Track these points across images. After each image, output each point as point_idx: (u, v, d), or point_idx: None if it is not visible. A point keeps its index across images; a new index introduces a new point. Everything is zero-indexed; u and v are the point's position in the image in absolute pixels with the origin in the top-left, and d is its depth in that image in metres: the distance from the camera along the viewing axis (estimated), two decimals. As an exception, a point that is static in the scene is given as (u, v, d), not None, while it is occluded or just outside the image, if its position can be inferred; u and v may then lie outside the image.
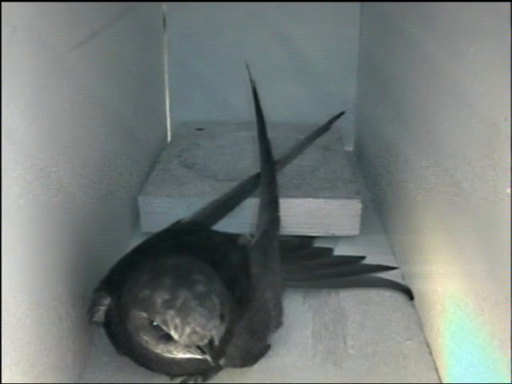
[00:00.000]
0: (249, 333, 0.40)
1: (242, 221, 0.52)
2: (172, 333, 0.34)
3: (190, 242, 0.43)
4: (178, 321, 0.34)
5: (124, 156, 0.57)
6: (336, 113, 0.75)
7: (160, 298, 0.34)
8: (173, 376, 0.42)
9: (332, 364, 0.45)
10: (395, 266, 0.55)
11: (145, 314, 0.35)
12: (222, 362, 0.39)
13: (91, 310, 0.40)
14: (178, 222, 0.50)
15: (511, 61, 0.30)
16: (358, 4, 0.75)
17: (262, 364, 0.42)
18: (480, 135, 0.34)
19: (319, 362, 0.45)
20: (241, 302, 0.40)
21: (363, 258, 0.56)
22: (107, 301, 0.40)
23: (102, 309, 0.40)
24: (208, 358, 0.35)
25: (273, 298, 0.44)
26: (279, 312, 0.45)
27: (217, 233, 0.47)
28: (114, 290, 0.39)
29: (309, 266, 0.55)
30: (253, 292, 0.41)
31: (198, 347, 0.34)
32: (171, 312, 0.34)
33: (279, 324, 0.45)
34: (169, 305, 0.34)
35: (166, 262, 0.37)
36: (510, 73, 0.30)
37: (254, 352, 0.41)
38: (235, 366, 0.41)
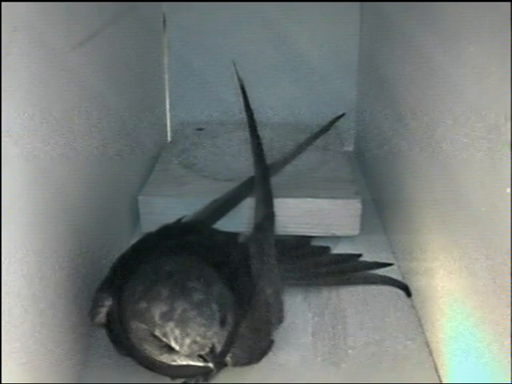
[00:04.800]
0: (253, 330, 0.40)
1: (241, 221, 0.52)
2: (173, 344, 0.34)
3: (191, 241, 0.43)
4: (177, 332, 0.34)
5: (124, 156, 0.57)
6: (336, 113, 0.75)
7: (158, 309, 0.34)
8: (174, 377, 0.42)
9: (332, 364, 0.45)
10: (391, 262, 0.55)
11: (145, 326, 0.35)
12: (228, 361, 0.40)
13: (92, 311, 0.40)
14: (178, 221, 0.50)
15: (511, 61, 0.30)
16: (357, 4, 0.75)
17: (262, 364, 0.42)
18: (480, 135, 0.34)
19: (319, 362, 0.45)
20: (244, 301, 0.40)
21: (360, 255, 0.56)
22: (109, 302, 0.39)
23: (104, 310, 0.40)
24: (210, 365, 0.35)
25: (273, 293, 0.44)
26: (280, 307, 0.45)
27: (217, 231, 0.47)
28: (115, 291, 0.39)
29: (306, 265, 0.55)
30: (255, 289, 0.42)
31: (200, 356, 0.35)
32: (170, 324, 0.34)
33: (281, 319, 0.45)
34: (167, 317, 0.34)
35: (163, 266, 0.37)
36: (510, 73, 0.30)
37: (259, 349, 0.42)
38: (241, 364, 0.41)
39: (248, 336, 0.40)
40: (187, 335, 0.34)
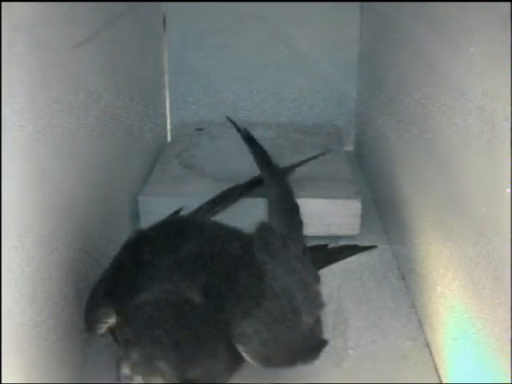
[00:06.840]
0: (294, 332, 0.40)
1: (238, 221, 0.52)
2: (125, 354, 0.34)
3: (193, 241, 0.42)
4: (137, 354, 0.34)
5: (124, 156, 0.57)
6: (336, 112, 0.76)
7: (148, 335, 0.34)
8: None
9: (332, 364, 0.45)
10: (375, 245, 0.55)
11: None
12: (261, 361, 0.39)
13: (94, 324, 0.39)
14: (175, 213, 0.49)
15: (511, 61, 0.30)
16: (357, 4, 0.75)
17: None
18: (480, 135, 0.34)
19: (319, 362, 0.45)
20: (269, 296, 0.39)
21: (326, 245, 0.54)
22: (112, 319, 0.38)
23: (105, 326, 0.38)
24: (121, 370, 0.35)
25: (302, 285, 0.43)
26: (317, 295, 0.44)
27: (226, 227, 0.45)
28: (117, 305, 0.38)
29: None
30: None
31: (120, 362, 0.34)
32: (142, 347, 0.34)
33: (321, 305, 0.44)
34: (144, 343, 0.34)
35: (163, 304, 0.36)
36: (510, 73, 0.30)
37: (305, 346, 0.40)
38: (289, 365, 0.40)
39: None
40: (138, 347, 0.34)
